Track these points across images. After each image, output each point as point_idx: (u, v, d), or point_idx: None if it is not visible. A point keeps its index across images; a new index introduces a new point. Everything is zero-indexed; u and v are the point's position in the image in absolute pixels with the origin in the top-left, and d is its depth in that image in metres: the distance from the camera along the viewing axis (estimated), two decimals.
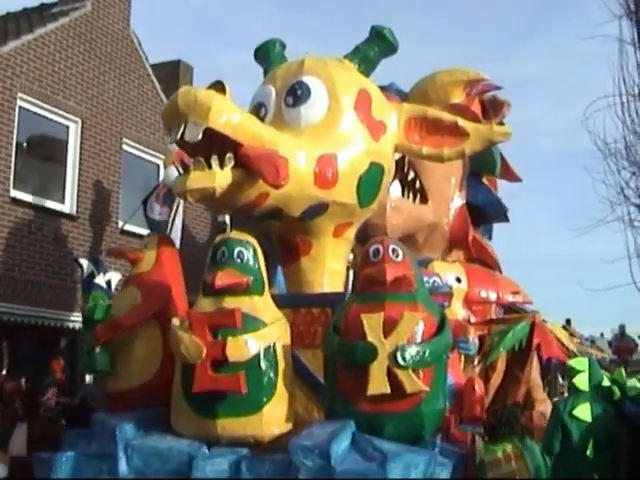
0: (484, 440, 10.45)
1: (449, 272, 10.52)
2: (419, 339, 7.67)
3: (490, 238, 13.08)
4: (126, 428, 8.07)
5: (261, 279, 8.09)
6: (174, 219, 16.38)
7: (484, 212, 12.45)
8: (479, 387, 9.20)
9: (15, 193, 15.88)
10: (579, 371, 9.44)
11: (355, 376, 7.64)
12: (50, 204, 16.54)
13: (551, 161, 77.49)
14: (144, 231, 16.27)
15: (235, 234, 8.34)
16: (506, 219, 12.60)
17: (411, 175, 11.53)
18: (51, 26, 16.67)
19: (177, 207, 16.37)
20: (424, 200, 11.83)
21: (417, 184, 11.71)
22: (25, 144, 16.27)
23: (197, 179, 8.03)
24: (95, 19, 17.63)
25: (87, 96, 17.15)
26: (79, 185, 16.98)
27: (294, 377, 8.31)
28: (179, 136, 7.97)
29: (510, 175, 12.78)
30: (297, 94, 9.13)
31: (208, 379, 7.64)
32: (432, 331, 7.83)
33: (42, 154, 17.16)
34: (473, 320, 10.64)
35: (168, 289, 8.84)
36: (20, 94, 15.84)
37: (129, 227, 17.17)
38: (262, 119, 9.11)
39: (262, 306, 8.02)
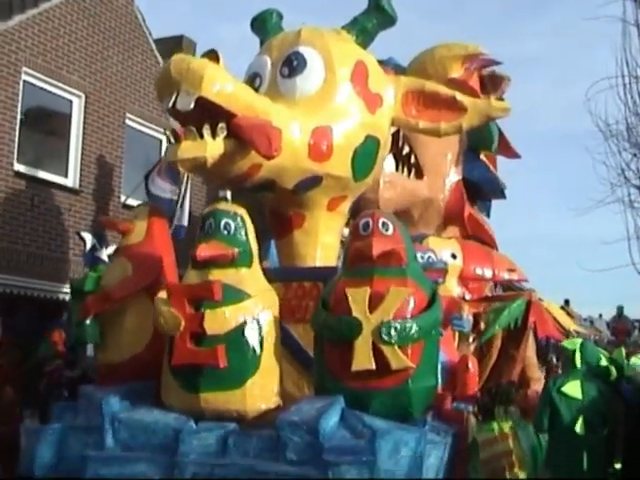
0: (477, 419, 10.20)
1: (444, 248, 10.19)
2: (408, 314, 7.34)
3: (488, 215, 12.70)
4: (112, 401, 7.79)
5: (249, 251, 7.78)
6: (184, 196, 16.13)
7: (480, 189, 12.08)
8: (472, 365, 8.91)
9: (18, 167, 15.75)
10: (572, 350, 9.25)
11: (341, 352, 7.35)
12: (53, 178, 16.39)
13: (552, 141, 77.07)
14: None
15: (223, 205, 8.03)
16: (503, 196, 12.19)
17: (406, 149, 11.18)
18: (56, 1, 16.43)
19: (187, 184, 16.13)
20: (419, 175, 11.47)
21: (412, 159, 11.35)
22: (29, 118, 16.01)
23: (188, 149, 7.72)
24: (99, 3, 17.33)
25: (91, 71, 16.96)
26: (82, 159, 16.85)
27: (284, 352, 8.02)
28: (171, 105, 7.66)
29: (509, 151, 12.38)
30: (293, 65, 8.80)
31: (187, 352, 7.39)
32: (422, 307, 7.51)
33: (45, 128, 16.97)
34: (468, 297, 10.29)
35: (160, 261, 8.54)
36: (24, 68, 15.69)
37: (132, 201, 16.85)
38: (257, 89, 8.79)
39: (249, 278, 7.71)
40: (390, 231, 7.61)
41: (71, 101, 16.85)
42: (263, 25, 9.61)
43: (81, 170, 16.77)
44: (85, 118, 16.93)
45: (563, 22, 77.48)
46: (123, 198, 17.33)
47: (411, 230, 11.09)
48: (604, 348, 12.17)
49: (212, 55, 7.91)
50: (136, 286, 8.43)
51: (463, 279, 10.22)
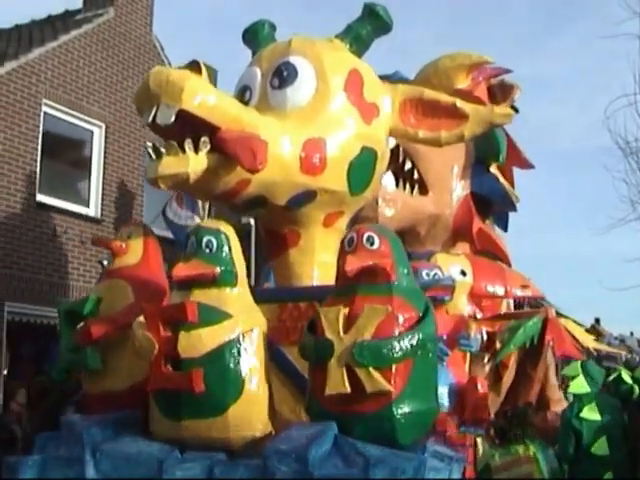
0: (494, 442, 9.48)
1: (453, 265, 9.35)
2: (395, 333, 6.54)
3: (505, 229, 11.72)
4: (94, 431, 7.07)
5: (232, 270, 7.01)
6: None
7: (491, 202, 11.18)
8: (482, 386, 8.11)
9: (41, 197, 15.52)
10: (574, 377, 9.11)
11: (320, 375, 6.61)
12: (75, 208, 16.13)
13: (578, 160, 75.61)
14: (169, 234, 15.48)
15: (207, 222, 7.32)
16: (514, 208, 11.21)
17: (408, 165, 10.31)
18: (75, 33, 16.24)
19: (208, 211, 15.56)
20: (424, 191, 10.58)
21: (415, 175, 10.48)
22: (50, 149, 15.65)
23: (169, 164, 7.03)
24: (118, 25, 17.03)
25: (110, 101, 16.60)
26: (103, 189, 16.55)
27: (280, 376, 7.38)
28: (151, 119, 6.98)
29: (521, 162, 11.41)
30: (283, 75, 8.07)
31: (161, 376, 6.67)
32: (411, 324, 6.68)
33: (66, 159, 16.63)
34: (479, 315, 9.46)
35: (163, 286, 7.84)
36: (45, 100, 15.48)
37: (153, 230, 16.18)
38: (247, 103, 8.09)
39: (232, 298, 6.95)
40: (376, 245, 6.83)
41: (92, 131, 16.58)
42: (255, 37, 8.88)
43: (102, 199, 16.47)
44: (106, 148, 16.63)
45: (583, 41, 76.14)
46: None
47: (419, 248, 10.34)
48: (629, 367, 12.16)
49: (194, 66, 7.21)
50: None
51: (474, 297, 9.37)
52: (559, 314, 11.37)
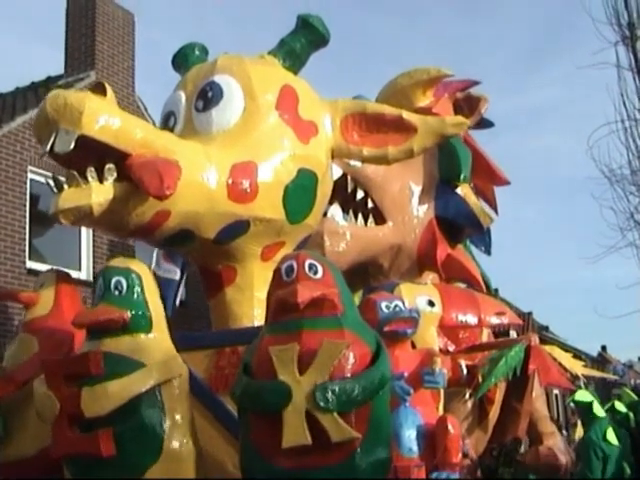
0: None
1: (420, 295, 7.93)
2: (348, 373, 5.27)
3: (488, 252, 10.13)
4: None
5: (146, 313, 5.74)
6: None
7: (458, 224, 9.65)
8: (453, 426, 6.72)
9: (31, 264, 14.18)
10: (591, 402, 8.76)
11: (269, 426, 5.28)
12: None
13: (571, 189, 74.36)
14: None
15: (117, 261, 6.02)
16: (480, 230, 9.62)
17: (360, 195, 8.80)
18: None
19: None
20: (381, 221, 9.06)
21: (369, 204, 8.96)
22: (38, 215, 14.57)
23: (69, 197, 5.86)
24: None
25: None
26: (94, 251, 15.17)
27: (220, 429, 6.11)
28: (49, 147, 5.76)
29: (496, 179, 9.89)
30: (208, 96, 6.88)
31: (64, 440, 5.43)
32: (365, 362, 5.46)
33: (55, 223, 15.31)
34: (452, 348, 8.03)
35: (70, 336, 6.50)
36: (30, 167, 14.19)
37: None
38: (171, 129, 6.80)
39: (147, 346, 5.70)
40: (319, 274, 5.58)
41: None
42: (185, 61, 7.64)
43: (94, 262, 15.02)
44: None
45: (570, 71, 75.39)
46: None
47: (384, 281, 8.96)
48: (637, 393, 11.72)
49: (98, 89, 5.97)
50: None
51: (444, 328, 7.94)
52: (544, 341, 10.02)
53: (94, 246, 15.14)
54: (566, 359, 9.13)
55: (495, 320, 8.30)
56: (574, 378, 9.17)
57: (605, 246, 13.48)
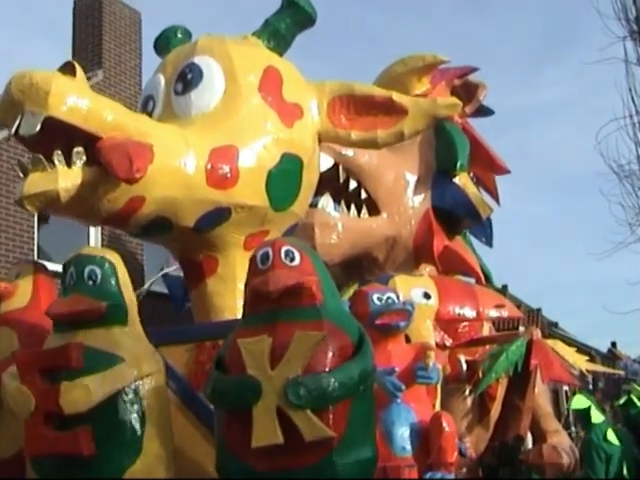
0: None
1: (415, 287, 7.41)
2: (326, 367, 4.75)
3: (490, 244, 9.50)
4: None
5: (123, 305, 5.24)
6: None
7: (456, 214, 9.06)
8: (448, 424, 6.21)
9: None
10: (588, 407, 8.52)
11: (240, 423, 4.76)
12: None
13: (580, 185, 73.38)
14: None
15: (88, 249, 5.55)
16: (479, 220, 9.01)
17: (352, 185, 8.21)
18: None
19: None
20: (375, 212, 8.47)
21: (362, 194, 8.37)
22: (46, 214, 14.13)
23: (35, 182, 5.39)
24: (107, 87, 15.46)
25: None
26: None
27: (200, 428, 5.67)
28: (14, 130, 5.30)
29: (496, 168, 9.28)
30: (187, 79, 6.40)
31: (41, 439, 4.92)
32: (346, 355, 4.95)
33: (64, 222, 14.93)
34: (449, 342, 7.50)
35: (50, 330, 5.99)
36: None
37: (155, 288, 14.74)
38: (150, 114, 6.32)
39: (124, 339, 5.22)
40: (297, 261, 5.08)
41: None
42: (166, 45, 7.14)
43: None
44: None
45: (574, 68, 74.24)
46: (147, 285, 15.13)
47: (379, 274, 8.42)
48: None
49: (67, 68, 5.49)
50: None
51: (440, 321, 7.41)
52: (551, 335, 9.51)
53: (102, 245, 14.74)
54: (569, 354, 8.61)
55: (494, 313, 7.78)
56: (581, 374, 8.64)
57: (614, 242, 12.83)
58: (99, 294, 5.21)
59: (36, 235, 13.94)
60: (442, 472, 6.21)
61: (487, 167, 9.14)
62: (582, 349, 34.48)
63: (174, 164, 5.75)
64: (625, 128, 12.99)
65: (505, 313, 7.83)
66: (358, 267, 8.11)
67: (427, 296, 7.39)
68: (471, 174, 9.16)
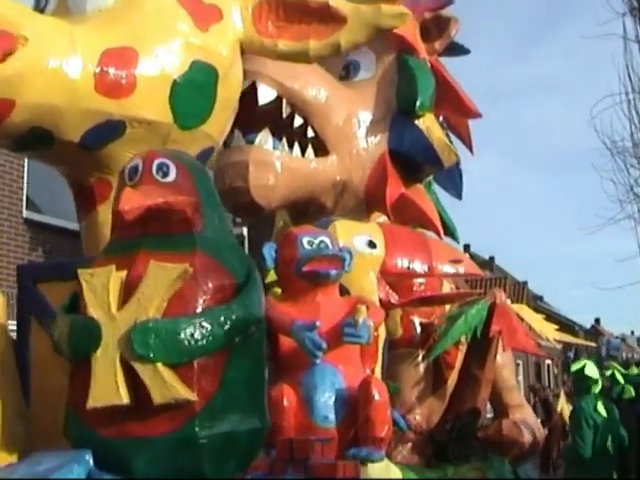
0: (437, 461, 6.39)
1: (359, 234, 6.01)
2: (191, 309, 3.53)
3: (459, 196, 8.03)
4: None
5: None
6: None
7: (415, 160, 7.58)
8: (379, 392, 4.86)
9: (28, 214, 13.68)
10: (582, 367, 8.14)
11: (82, 378, 3.54)
12: (64, 224, 13.78)
13: (573, 160, 72.07)
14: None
15: None
16: (440, 167, 7.53)
17: (298, 122, 6.73)
18: None
19: None
20: (322, 153, 6.99)
21: (309, 132, 6.91)
22: (36, 164, 13.25)
23: None
24: None
25: None
26: None
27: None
28: None
29: (466, 110, 7.81)
30: None
31: None
32: (224, 297, 3.69)
33: (54, 174, 13.99)
34: (395, 299, 6.11)
35: None
36: None
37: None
38: (42, 11, 4.94)
39: None
40: (171, 177, 3.81)
41: None
42: None
43: None
44: None
45: (574, 42, 72.88)
46: None
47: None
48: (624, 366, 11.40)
49: None
50: None
51: (386, 275, 6.03)
52: (537, 309, 8.18)
53: None
54: (537, 321, 7.28)
55: (449, 269, 6.37)
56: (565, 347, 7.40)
57: (604, 218, 12.91)
58: None
59: (25, 185, 13.45)
60: (369, 448, 4.87)
61: (456, 109, 7.71)
62: (566, 324, 33.54)
63: (53, 64, 4.44)
64: (620, 105, 12.86)
65: (462, 269, 6.45)
66: (305, 213, 6.71)
67: (372, 245, 6.00)
68: (441, 118, 7.73)
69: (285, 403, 4.87)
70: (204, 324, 3.47)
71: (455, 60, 7.95)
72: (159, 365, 3.39)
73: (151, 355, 3.37)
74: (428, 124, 7.24)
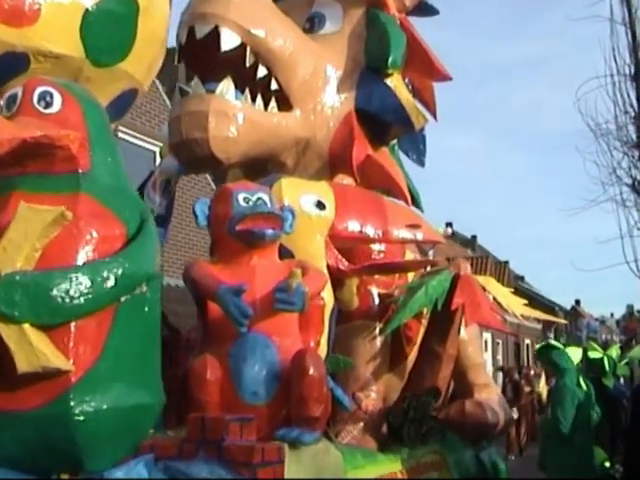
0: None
1: (307, 193, 5.36)
2: (72, 261, 2.81)
3: (422, 162, 7.36)
4: None
5: None
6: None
7: (384, 120, 6.89)
8: (315, 366, 4.26)
9: None
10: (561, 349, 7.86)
11: None
12: None
13: (557, 141, 72.05)
14: None
15: None
16: (411, 128, 6.85)
17: (261, 72, 6.05)
18: None
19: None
20: (286, 107, 6.30)
21: (273, 85, 6.23)
22: None
23: None
24: None
25: None
26: None
27: None
28: None
29: (435, 73, 7.14)
30: None
31: None
32: (111, 248, 3.11)
33: None
34: (344, 266, 5.50)
35: None
36: None
37: None
38: None
39: None
40: (55, 107, 3.23)
41: None
42: None
43: None
44: None
45: (560, 24, 72.70)
46: None
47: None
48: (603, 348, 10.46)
49: None
50: None
51: (335, 238, 5.42)
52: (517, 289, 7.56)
53: None
54: (503, 295, 6.69)
55: (405, 234, 5.75)
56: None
57: (587, 200, 12.04)
58: None
59: None
60: (301, 429, 4.27)
61: (424, 71, 7.05)
62: (546, 304, 33.22)
63: None
64: (605, 87, 12.14)
65: (420, 236, 5.84)
66: (262, 172, 6.07)
67: (321, 205, 5.38)
68: (406, 80, 7.09)
69: (208, 376, 4.28)
70: (83, 279, 2.88)
71: (443, 40, 7.42)
72: (26, 326, 2.80)
73: (17, 314, 2.78)
74: (396, 84, 6.60)
